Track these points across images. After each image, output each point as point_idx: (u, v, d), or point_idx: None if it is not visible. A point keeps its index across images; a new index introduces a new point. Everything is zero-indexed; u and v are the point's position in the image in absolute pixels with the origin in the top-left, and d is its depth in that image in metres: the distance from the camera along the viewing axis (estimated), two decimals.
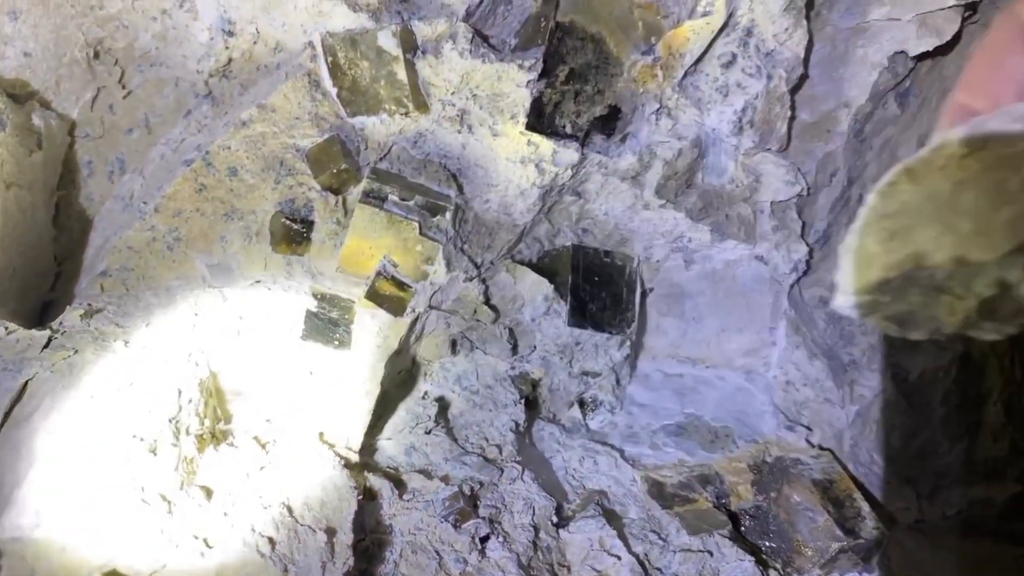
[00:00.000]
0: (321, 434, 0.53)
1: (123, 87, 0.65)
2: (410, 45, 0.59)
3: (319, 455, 0.51)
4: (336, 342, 0.58)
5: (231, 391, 0.53)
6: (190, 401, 0.49)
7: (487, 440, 0.58)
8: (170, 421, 0.48)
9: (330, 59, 0.59)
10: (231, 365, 0.54)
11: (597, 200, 0.65)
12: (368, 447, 0.55)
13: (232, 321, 0.56)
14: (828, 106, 0.65)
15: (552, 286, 0.59)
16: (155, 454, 0.46)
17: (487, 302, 0.60)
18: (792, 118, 0.64)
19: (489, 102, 0.61)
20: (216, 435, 0.50)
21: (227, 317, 0.56)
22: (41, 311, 0.64)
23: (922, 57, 0.62)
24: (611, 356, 0.63)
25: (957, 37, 0.60)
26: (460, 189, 0.62)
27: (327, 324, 0.59)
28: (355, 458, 0.53)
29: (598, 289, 0.63)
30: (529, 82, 0.59)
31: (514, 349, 0.61)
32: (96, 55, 0.64)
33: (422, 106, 0.60)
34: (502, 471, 0.55)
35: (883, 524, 0.61)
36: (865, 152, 0.67)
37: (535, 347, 0.64)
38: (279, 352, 0.56)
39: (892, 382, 0.67)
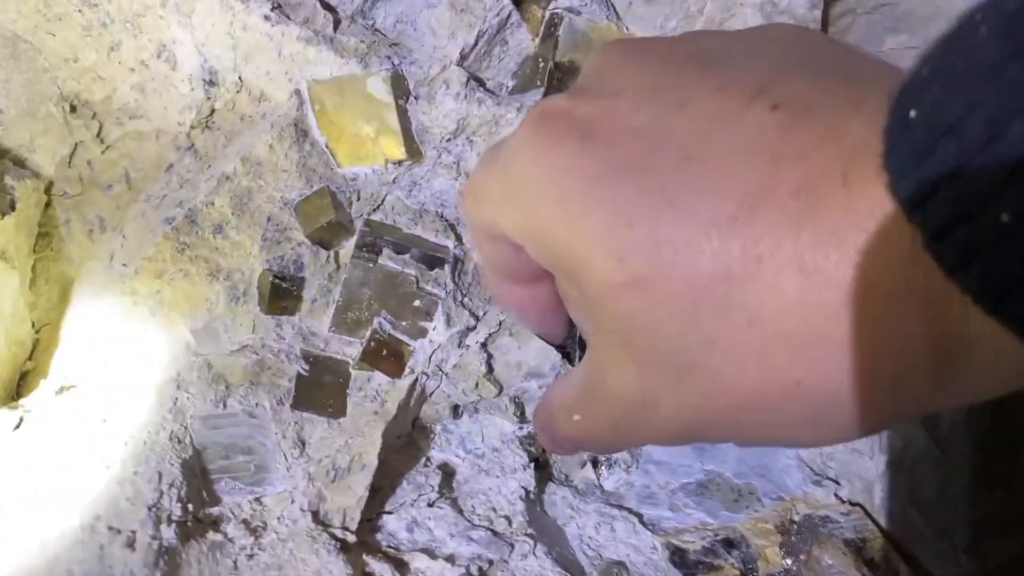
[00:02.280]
0: (315, 514, 0.49)
1: (101, 141, 0.62)
2: (402, 91, 0.56)
3: (313, 539, 0.47)
4: (330, 409, 0.54)
5: (216, 469, 0.50)
6: (171, 485, 0.45)
7: (495, 510, 0.54)
8: (150, 509, 0.44)
9: (317, 107, 0.56)
10: (216, 440, 0.50)
11: None
12: (367, 525, 0.51)
13: (218, 391, 0.52)
14: None
15: (560, 353, 0.55)
16: (133, 549, 0.42)
17: (490, 372, 0.56)
18: None
19: (486, 147, 0.57)
20: (201, 520, 0.47)
21: (213, 386, 0.52)
22: (20, 381, 0.60)
23: None
24: None
25: None
26: (459, 239, 0.59)
27: (319, 389, 0.55)
28: (352, 539, 0.49)
29: None
30: None
31: (521, 417, 0.57)
32: (73, 109, 0.61)
33: (416, 154, 0.57)
34: (512, 546, 0.51)
35: None
36: None
37: None
38: (269, 423, 0.52)
39: (923, 429, 0.63)
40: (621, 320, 0.24)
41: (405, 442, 0.58)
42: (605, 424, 0.28)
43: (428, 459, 0.57)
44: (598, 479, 0.61)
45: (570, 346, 0.50)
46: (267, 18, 0.54)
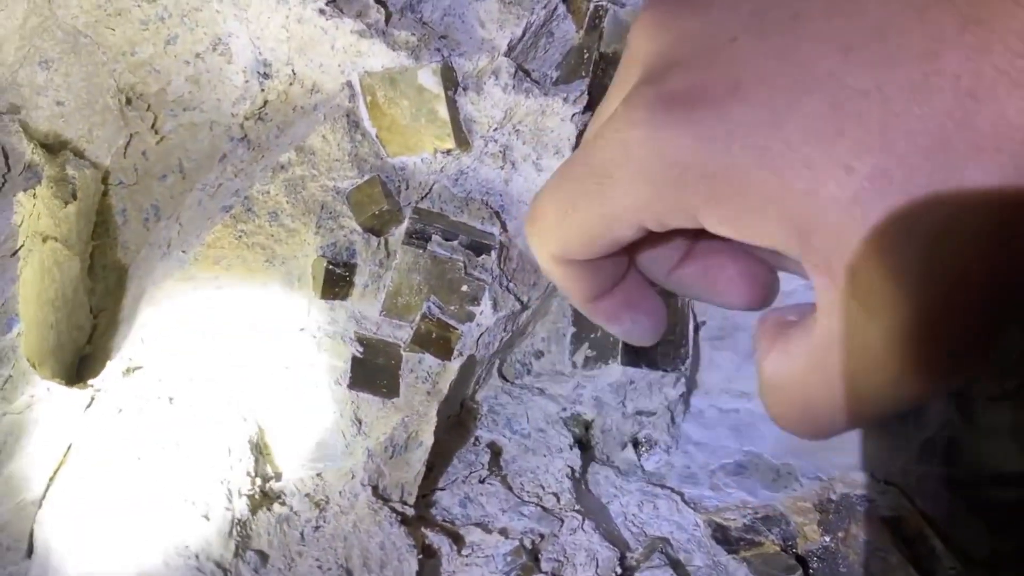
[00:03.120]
0: (375, 488, 0.51)
1: (156, 132, 0.64)
2: (451, 82, 0.57)
3: (374, 512, 0.49)
4: (384, 389, 0.56)
5: (280, 446, 0.52)
6: (240, 460, 0.47)
7: (543, 488, 0.56)
8: (221, 483, 0.46)
9: (369, 99, 0.58)
10: (279, 419, 0.52)
11: None
12: (421, 500, 0.53)
13: (278, 372, 0.54)
14: None
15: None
16: (208, 519, 0.44)
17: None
18: None
19: (533, 137, 0.59)
20: (268, 494, 0.48)
21: (273, 368, 0.54)
22: (79, 365, 0.62)
23: None
24: (666, 394, 0.61)
25: None
26: (504, 226, 0.61)
27: (374, 371, 0.57)
28: (411, 512, 0.50)
29: None
30: (574, 115, 0.58)
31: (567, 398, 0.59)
32: (128, 101, 0.63)
33: (464, 143, 0.58)
34: (562, 521, 0.53)
35: (957, 562, 0.59)
36: None
37: (587, 387, 0.62)
38: (327, 403, 0.54)
39: (957, 410, 0.64)
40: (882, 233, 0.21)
41: (454, 422, 0.60)
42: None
43: (477, 439, 0.59)
44: (639, 459, 0.63)
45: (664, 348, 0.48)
46: (322, 12, 0.55)
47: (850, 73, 0.21)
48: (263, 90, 0.61)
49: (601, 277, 0.30)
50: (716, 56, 0.24)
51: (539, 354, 0.65)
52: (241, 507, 0.46)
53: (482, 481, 0.54)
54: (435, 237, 0.59)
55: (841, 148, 0.21)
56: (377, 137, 0.58)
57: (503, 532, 0.51)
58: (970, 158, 0.20)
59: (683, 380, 0.61)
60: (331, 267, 0.58)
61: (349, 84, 0.58)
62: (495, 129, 0.58)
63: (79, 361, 0.63)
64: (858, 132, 0.21)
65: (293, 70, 0.59)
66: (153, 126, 0.64)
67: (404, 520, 0.49)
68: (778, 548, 0.57)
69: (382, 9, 0.56)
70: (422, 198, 0.60)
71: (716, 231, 0.24)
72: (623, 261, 0.31)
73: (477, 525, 0.52)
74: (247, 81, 0.61)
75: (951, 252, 0.20)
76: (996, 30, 0.20)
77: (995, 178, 0.20)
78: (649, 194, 0.25)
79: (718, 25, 0.24)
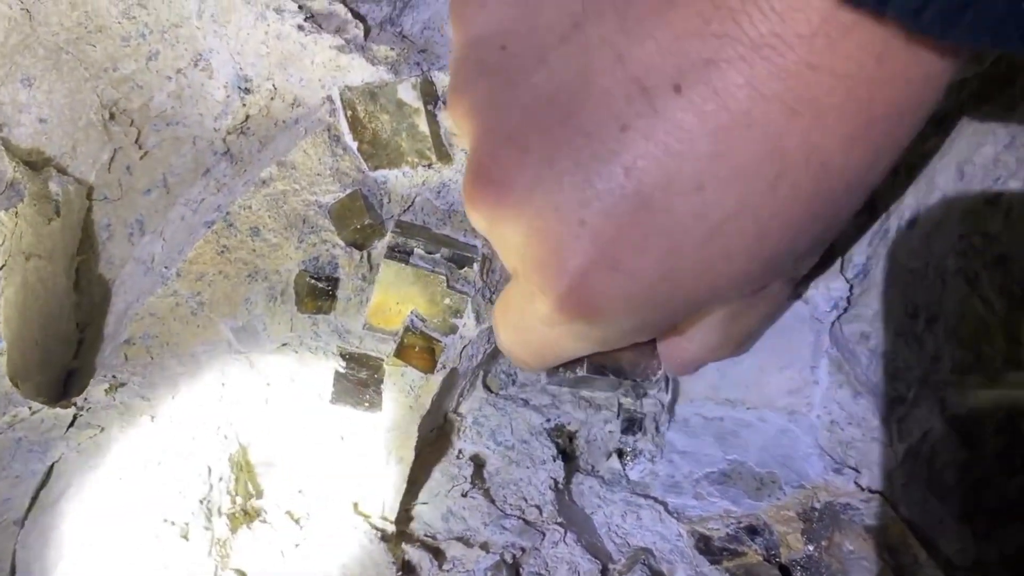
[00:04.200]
0: (355, 504, 0.52)
1: (139, 147, 0.64)
2: (431, 96, 0.57)
3: (355, 528, 0.49)
4: (366, 404, 0.56)
5: (261, 463, 0.52)
6: (221, 479, 0.48)
7: (526, 500, 0.56)
8: (201, 502, 0.46)
9: (350, 113, 0.58)
10: (260, 435, 0.53)
11: None
12: (404, 514, 0.53)
13: (260, 388, 0.54)
14: None
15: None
16: (187, 539, 0.45)
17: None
18: None
19: None
20: (248, 512, 0.49)
21: (254, 384, 0.54)
22: (66, 379, 0.62)
23: (961, 83, 0.60)
24: (651, 402, 0.61)
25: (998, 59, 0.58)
26: (485, 238, 0.61)
27: (356, 385, 0.57)
28: (391, 528, 0.51)
29: None
30: None
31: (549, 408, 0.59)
32: (112, 116, 0.63)
33: (445, 157, 0.59)
34: (544, 534, 0.53)
35: (940, 570, 0.59)
36: (899, 182, 0.65)
37: (570, 397, 0.62)
38: (308, 418, 0.54)
39: (941, 417, 0.64)
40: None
41: (437, 435, 0.60)
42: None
43: (460, 452, 0.59)
44: (623, 469, 0.63)
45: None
46: (301, 28, 0.56)
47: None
48: (244, 105, 0.61)
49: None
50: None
51: None
52: (221, 526, 0.46)
53: (465, 495, 0.54)
54: (417, 250, 0.59)
55: (573, 201, 0.29)
56: (358, 151, 0.59)
57: (484, 546, 0.52)
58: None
59: (666, 388, 0.62)
60: (313, 281, 0.58)
61: (330, 99, 0.58)
62: None
63: (67, 376, 0.63)
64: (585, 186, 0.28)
65: (274, 85, 0.60)
66: (137, 141, 0.64)
67: (384, 536, 0.50)
68: (761, 558, 0.58)
69: (361, 24, 0.56)
70: (404, 211, 0.60)
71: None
72: None
73: (458, 539, 0.52)
74: (228, 96, 0.61)
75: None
76: None
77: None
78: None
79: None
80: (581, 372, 0.46)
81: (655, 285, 0.28)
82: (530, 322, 0.37)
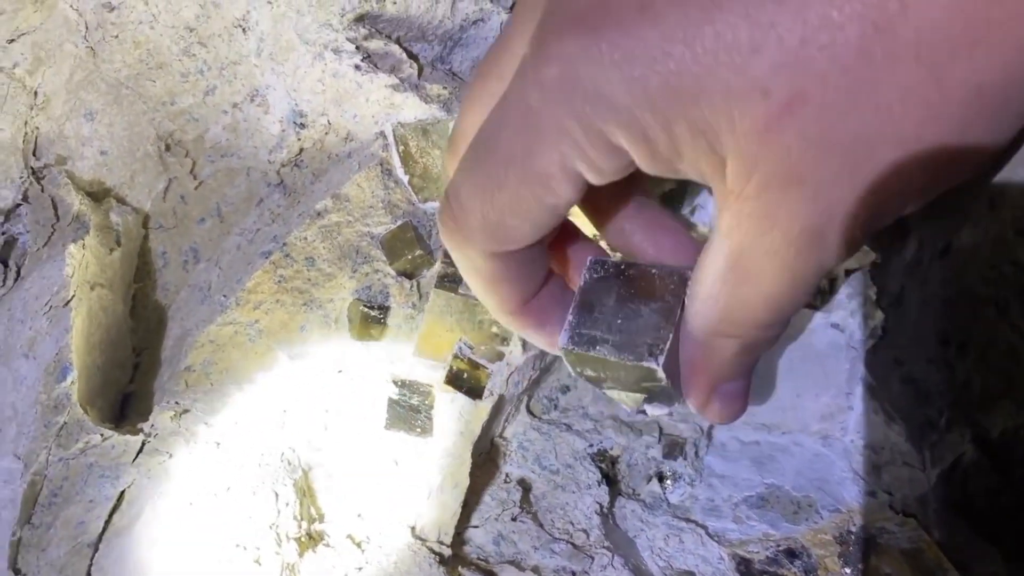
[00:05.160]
0: (413, 528, 0.53)
1: (194, 177, 0.66)
2: None
3: (414, 553, 0.51)
4: (419, 429, 0.58)
5: (322, 488, 0.54)
6: (287, 504, 0.50)
7: (573, 524, 0.58)
8: (271, 527, 0.48)
9: (402, 148, 0.60)
10: (320, 461, 0.55)
11: None
12: (456, 538, 0.55)
13: (318, 414, 0.56)
14: None
15: None
16: (260, 564, 0.46)
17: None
18: None
19: None
20: (313, 536, 0.51)
21: (313, 410, 0.56)
22: (122, 403, 0.64)
23: None
24: (690, 427, 0.63)
25: None
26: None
27: (409, 411, 0.59)
28: (448, 552, 0.53)
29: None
30: None
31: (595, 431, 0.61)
32: (167, 147, 0.65)
33: None
34: (592, 559, 0.55)
35: None
36: (933, 212, 0.67)
37: (611, 422, 0.64)
38: (364, 443, 0.56)
39: (972, 442, 0.66)
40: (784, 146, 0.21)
41: (485, 460, 0.62)
42: (774, 282, 0.25)
43: (507, 476, 0.61)
44: (663, 492, 0.65)
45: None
46: (357, 68, 0.58)
47: None
48: (299, 139, 0.63)
49: (530, 272, 0.29)
50: None
51: (565, 389, 0.67)
52: (290, 551, 0.48)
53: (514, 519, 0.56)
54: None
55: (757, 68, 0.20)
56: (409, 184, 0.61)
57: (535, 570, 0.54)
58: (887, 69, 0.20)
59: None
60: (366, 309, 0.60)
61: (383, 134, 0.60)
62: None
63: (123, 399, 0.65)
64: (774, 48, 0.20)
65: (328, 120, 0.62)
66: (192, 171, 0.66)
67: (441, 560, 0.51)
68: None
69: (414, 64, 0.59)
70: None
71: (641, 166, 0.25)
72: (544, 257, 0.30)
73: (510, 563, 0.54)
74: (283, 130, 0.63)
75: (861, 161, 0.21)
76: None
77: (911, 93, 0.20)
78: (578, 134, 0.24)
79: None
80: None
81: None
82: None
